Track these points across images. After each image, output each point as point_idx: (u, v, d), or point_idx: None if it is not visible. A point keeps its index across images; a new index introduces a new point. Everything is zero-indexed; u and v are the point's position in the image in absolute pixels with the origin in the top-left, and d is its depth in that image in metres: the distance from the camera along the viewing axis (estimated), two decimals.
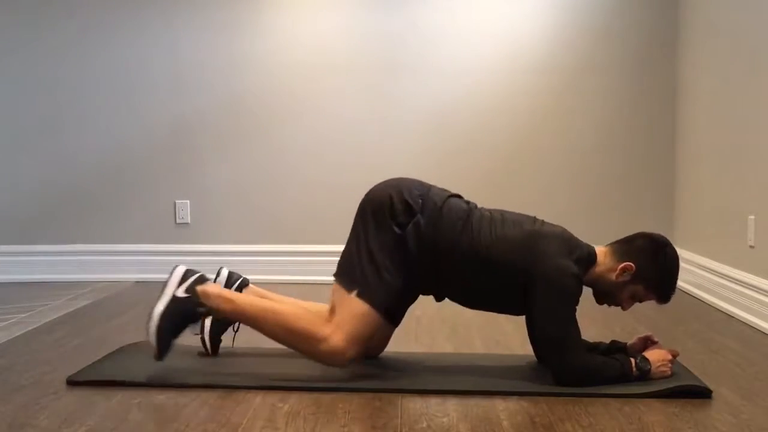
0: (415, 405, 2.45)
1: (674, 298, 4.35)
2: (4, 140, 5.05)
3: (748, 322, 3.67)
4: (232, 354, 3.06)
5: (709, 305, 4.14)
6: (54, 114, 5.04)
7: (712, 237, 4.24)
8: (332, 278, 2.74)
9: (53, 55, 5.02)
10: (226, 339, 3.00)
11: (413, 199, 2.70)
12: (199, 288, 2.63)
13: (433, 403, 2.47)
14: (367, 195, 2.80)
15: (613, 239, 2.82)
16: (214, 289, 2.67)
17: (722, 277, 4.08)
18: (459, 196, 2.85)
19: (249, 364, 2.86)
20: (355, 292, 2.62)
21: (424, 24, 4.99)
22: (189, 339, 3.26)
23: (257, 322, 2.68)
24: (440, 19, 4.98)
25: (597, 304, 2.80)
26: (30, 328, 3.55)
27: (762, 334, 3.50)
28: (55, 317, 3.79)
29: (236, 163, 5.05)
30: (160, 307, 2.58)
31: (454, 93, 4.99)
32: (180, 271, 2.66)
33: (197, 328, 2.81)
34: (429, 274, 2.71)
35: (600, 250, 2.75)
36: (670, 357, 2.66)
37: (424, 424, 2.27)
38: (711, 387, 2.57)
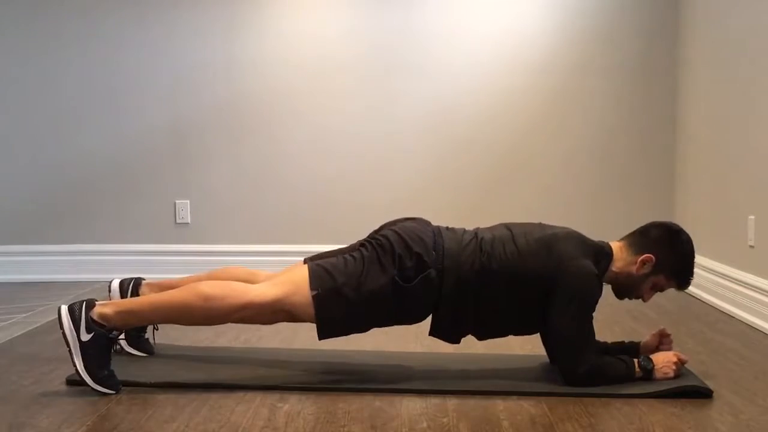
0: (415, 405, 2.44)
1: (674, 298, 4.36)
2: (4, 140, 5.05)
3: (748, 322, 3.67)
4: (232, 354, 3.06)
5: (709, 305, 4.14)
6: (54, 114, 5.04)
7: (712, 237, 4.24)
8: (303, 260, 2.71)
9: (53, 56, 5.01)
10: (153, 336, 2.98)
11: (428, 254, 2.60)
12: (96, 316, 2.49)
13: (433, 403, 2.47)
14: (381, 231, 2.71)
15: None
16: (109, 308, 2.53)
17: (722, 277, 4.08)
18: (468, 232, 2.78)
19: (249, 364, 2.86)
20: (314, 292, 2.55)
21: (425, 24, 4.99)
22: (188, 340, 3.27)
23: (169, 317, 2.58)
24: (441, 19, 4.98)
25: (617, 299, 2.81)
26: (30, 328, 3.55)
27: (762, 334, 3.50)
28: (55, 317, 3.77)
29: (236, 163, 5.05)
30: (79, 362, 2.47)
31: (455, 93, 4.99)
32: (65, 312, 2.50)
33: (117, 345, 2.71)
34: (448, 317, 2.65)
35: (615, 245, 2.75)
36: (675, 359, 2.66)
37: (424, 424, 2.27)
38: (711, 387, 2.57)
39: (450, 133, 5.00)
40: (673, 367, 2.65)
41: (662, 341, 2.80)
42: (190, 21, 5.01)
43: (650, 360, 2.64)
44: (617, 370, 2.62)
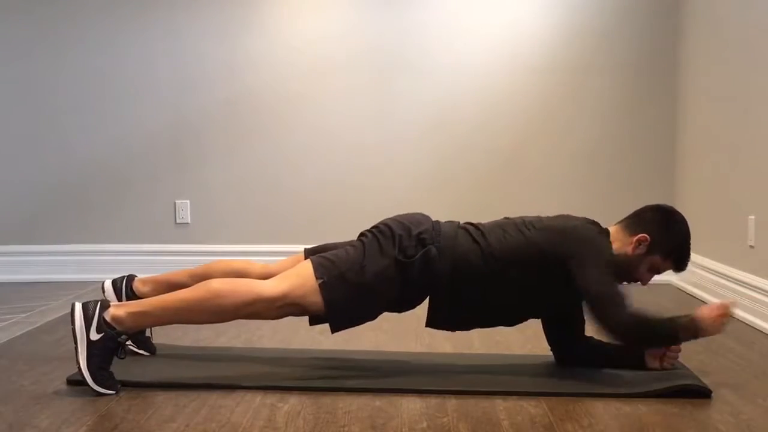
0: (415, 405, 2.44)
1: (675, 298, 4.36)
2: (5, 140, 5.05)
3: (748, 322, 3.67)
4: (232, 354, 3.06)
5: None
6: (54, 114, 5.04)
7: (712, 237, 4.25)
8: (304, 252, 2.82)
9: (54, 55, 5.02)
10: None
11: (428, 233, 2.67)
12: (108, 317, 2.50)
13: (433, 403, 2.47)
14: (382, 221, 2.76)
15: None
16: (121, 310, 2.53)
17: (722, 277, 4.08)
18: (468, 223, 2.84)
19: (249, 364, 2.86)
20: (321, 281, 2.59)
21: (425, 23, 4.99)
22: (189, 340, 3.27)
23: (181, 317, 2.60)
24: (442, 19, 4.98)
25: None
26: (30, 328, 3.55)
27: (762, 334, 3.50)
28: (55, 317, 3.79)
29: (236, 163, 5.05)
30: (83, 360, 2.47)
31: (456, 93, 4.99)
32: (78, 310, 2.49)
33: (121, 351, 2.74)
34: (447, 301, 2.68)
35: (612, 228, 2.79)
36: (722, 312, 2.56)
37: (424, 424, 2.27)
38: (711, 387, 2.57)
39: (451, 133, 5.00)
40: (724, 321, 2.57)
41: (670, 348, 2.78)
42: (190, 21, 5.01)
43: (699, 319, 2.55)
44: (663, 323, 2.59)
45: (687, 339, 2.62)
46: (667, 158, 4.96)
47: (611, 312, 2.55)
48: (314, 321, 2.71)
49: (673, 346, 2.71)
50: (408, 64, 4.99)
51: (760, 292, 3.62)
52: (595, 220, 2.83)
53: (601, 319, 2.57)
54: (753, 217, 3.76)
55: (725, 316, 2.58)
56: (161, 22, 5.01)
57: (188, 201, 5.07)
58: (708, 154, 4.41)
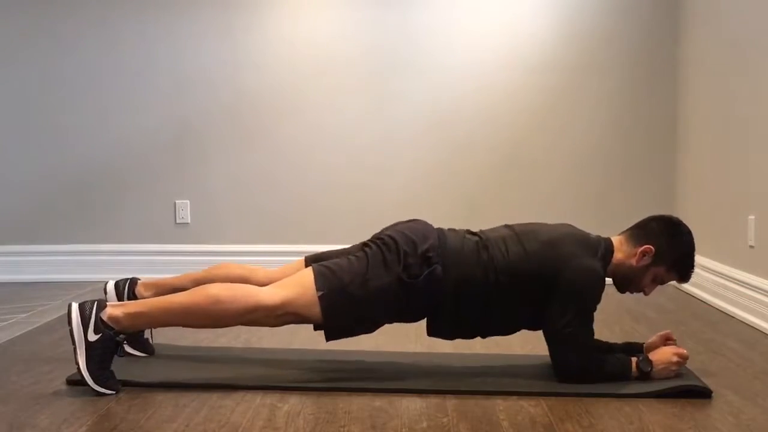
0: (415, 405, 2.44)
1: (675, 298, 4.36)
2: (5, 140, 5.05)
3: (748, 322, 3.67)
4: (232, 354, 3.06)
5: (709, 305, 4.14)
6: (54, 114, 5.04)
7: (712, 237, 4.24)
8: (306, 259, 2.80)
9: (54, 55, 5.02)
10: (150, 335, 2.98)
11: (433, 251, 2.63)
12: (105, 317, 2.49)
13: (433, 403, 2.47)
14: (386, 232, 2.73)
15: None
16: (118, 310, 2.51)
17: (722, 277, 4.08)
18: (471, 232, 2.80)
19: (249, 364, 2.86)
20: (321, 292, 2.56)
21: (425, 24, 4.99)
22: (188, 340, 3.27)
23: (179, 320, 2.59)
24: (442, 19, 4.98)
25: (619, 293, 2.83)
26: (30, 328, 3.55)
27: (762, 334, 3.50)
28: (55, 317, 3.79)
29: (236, 163, 5.05)
30: (82, 360, 2.47)
31: (457, 92, 4.99)
32: (75, 310, 2.48)
33: (121, 349, 2.71)
34: (448, 315, 2.67)
35: (615, 239, 2.77)
36: (675, 359, 2.65)
37: (424, 424, 2.27)
38: (711, 387, 2.57)
39: (451, 133, 5.00)
40: (673, 368, 2.65)
41: (666, 344, 2.78)
42: (191, 22, 5.01)
43: (649, 362, 2.63)
44: (613, 368, 2.63)
45: (638, 379, 2.64)
46: (667, 157, 4.96)
47: (565, 354, 2.61)
48: (318, 327, 2.70)
49: (680, 353, 2.69)
50: (407, 64, 4.99)
51: (760, 292, 3.62)
52: (600, 228, 2.81)
53: (555, 356, 2.64)
54: (753, 217, 3.76)
55: (680, 364, 2.67)
56: (161, 22, 5.01)
57: (188, 201, 5.07)
58: (708, 154, 4.41)
